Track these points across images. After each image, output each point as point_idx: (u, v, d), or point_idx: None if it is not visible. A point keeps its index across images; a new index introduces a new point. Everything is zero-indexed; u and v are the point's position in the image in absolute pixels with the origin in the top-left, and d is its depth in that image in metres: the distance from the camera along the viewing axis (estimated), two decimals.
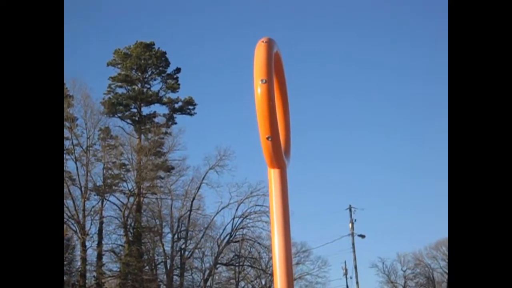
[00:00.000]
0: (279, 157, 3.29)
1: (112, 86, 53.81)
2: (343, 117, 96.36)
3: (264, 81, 3.10)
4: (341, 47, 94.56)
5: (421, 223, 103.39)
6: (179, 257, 50.44)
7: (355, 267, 61.21)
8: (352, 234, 62.01)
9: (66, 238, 46.17)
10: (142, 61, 53.45)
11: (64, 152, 47.48)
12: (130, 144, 51.09)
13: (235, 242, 53.67)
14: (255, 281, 58.37)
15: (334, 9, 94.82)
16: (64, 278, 47.93)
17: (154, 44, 54.35)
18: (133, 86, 53.97)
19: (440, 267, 78.92)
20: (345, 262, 65.93)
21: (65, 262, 47.09)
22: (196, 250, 52.24)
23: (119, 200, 49.97)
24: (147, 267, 50.44)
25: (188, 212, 50.68)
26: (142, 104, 53.91)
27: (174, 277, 50.51)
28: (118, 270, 49.28)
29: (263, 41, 3.26)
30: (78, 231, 46.14)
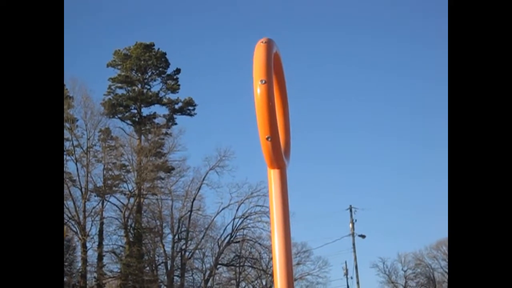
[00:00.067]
0: (279, 157, 3.29)
1: (112, 87, 53.83)
2: (344, 118, 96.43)
3: (263, 81, 3.10)
4: (342, 47, 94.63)
5: (422, 223, 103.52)
6: (179, 258, 50.45)
7: (356, 267, 61.24)
8: (353, 234, 62.01)
9: (66, 239, 46.19)
10: (142, 62, 53.46)
11: (65, 153, 47.52)
12: (131, 145, 51.13)
13: (236, 242, 53.68)
14: (256, 282, 58.39)
15: (336, 9, 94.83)
16: (65, 279, 47.93)
17: (154, 45, 54.38)
18: (133, 87, 53.98)
19: (440, 267, 78.95)
20: (345, 262, 66.02)
21: (65, 263, 47.10)
22: (197, 251, 52.28)
23: (119, 201, 50.07)
24: (147, 268, 50.45)
25: (189, 213, 50.70)
26: (142, 105, 53.93)
27: (175, 277, 50.52)
28: (119, 271, 49.31)
29: (262, 42, 3.26)
30: (78, 232, 46.16)
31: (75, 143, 48.04)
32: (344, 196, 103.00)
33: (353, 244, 61.74)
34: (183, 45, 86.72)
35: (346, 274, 65.28)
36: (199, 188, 51.57)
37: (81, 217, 46.06)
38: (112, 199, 49.80)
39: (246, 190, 52.07)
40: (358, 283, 60.74)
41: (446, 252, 74.24)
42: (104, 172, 49.74)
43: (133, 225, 49.86)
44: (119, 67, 53.79)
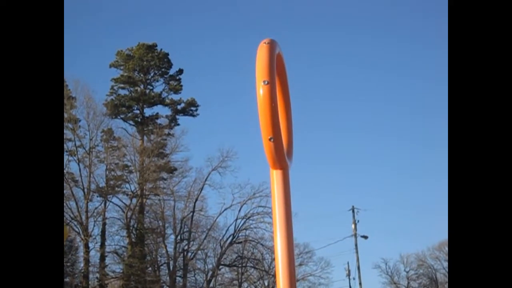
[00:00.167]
0: (282, 158, 3.30)
1: (115, 87, 53.87)
2: (345, 118, 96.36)
3: (266, 82, 3.10)
4: (344, 47, 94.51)
5: (424, 224, 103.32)
6: (182, 258, 50.47)
7: (358, 268, 61.20)
8: (355, 235, 61.98)
9: (69, 240, 46.24)
10: (145, 63, 53.49)
11: (67, 153, 47.59)
12: (133, 145, 51.15)
13: (238, 243, 53.69)
14: (258, 282, 58.36)
15: (336, 10, 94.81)
16: (67, 279, 47.99)
17: (156, 46, 54.42)
18: (136, 88, 54.01)
19: (443, 268, 78.80)
20: (348, 263, 65.95)
21: (68, 264, 47.16)
22: (199, 251, 52.31)
23: (122, 201, 50.11)
24: (150, 268, 50.48)
25: (191, 213, 50.72)
26: (144, 106, 53.95)
27: (177, 278, 50.54)
28: (121, 271, 49.34)
29: (265, 42, 3.27)
30: (81, 232, 46.21)
31: (78, 143, 48.15)
32: (347, 196, 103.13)
33: (356, 245, 61.74)
34: (186, 46, 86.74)
35: (349, 275, 65.23)
36: (202, 189, 51.66)
37: (83, 217, 46.10)
38: (114, 200, 49.91)
39: (249, 190, 52.16)
40: (360, 284, 60.73)
41: None
42: (107, 173, 49.80)
43: (135, 225, 49.88)
44: (121, 67, 53.83)
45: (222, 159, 51.82)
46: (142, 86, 54.13)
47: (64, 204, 44.71)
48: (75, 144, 47.91)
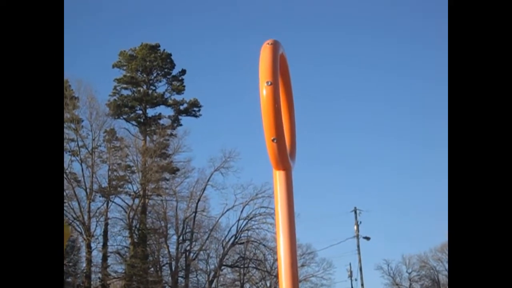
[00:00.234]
0: (285, 159, 3.30)
1: (118, 87, 53.90)
2: (348, 119, 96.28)
3: (269, 83, 3.10)
4: (348, 48, 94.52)
5: (426, 225, 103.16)
6: (184, 259, 50.48)
7: (360, 269, 61.14)
8: (357, 236, 61.92)
9: (71, 240, 46.26)
10: (147, 63, 53.51)
11: (70, 153, 47.63)
12: (135, 145, 51.17)
13: (240, 244, 53.68)
14: (260, 283, 58.34)
15: (336, 10, 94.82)
16: (70, 279, 48.05)
17: (159, 46, 54.44)
18: (138, 88, 54.03)
19: (445, 269, 78.67)
20: (350, 264, 65.90)
21: (70, 264, 47.20)
22: (201, 252, 52.29)
23: (124, 201, 50.12)
24: (152, 269, 50.47)
25: (193, 214, 50.72)
26: (147, 106, 53.97)
27: (179, 278, 50.55)
28: (123, 271, 49.34)
29: (268, 43, 3.27)
30: (83, 232, 46.24)
31: (80, 143, 48.20)
32: (349, 198, 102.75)
33: (358, 246, 61.69)
34: (189, 46, 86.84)
35: (351, 276, 65.18)
36: (204, 189, 51.65)
37: (85, 217, 46.13)
38: (117, 200, 49.94)
39: (251, 191, 52.15)
40: (362, 285, 60.66)
41: None
42: (109, 173, 49.81)
43: (137, 226, 49.89)
44: (124, 68, 53.85)
45: (225, 159, 51.89)
46: (144, 87, 54.15)
47: (67, 204, 44.76)
48: (77, 144, 47.99)
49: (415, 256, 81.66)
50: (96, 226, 47.96)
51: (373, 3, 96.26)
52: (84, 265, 48.37)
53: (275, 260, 49.44)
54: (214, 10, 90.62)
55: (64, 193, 44.17)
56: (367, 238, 62.18)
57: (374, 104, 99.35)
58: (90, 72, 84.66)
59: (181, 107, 54.70)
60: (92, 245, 46.99)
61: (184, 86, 54.96)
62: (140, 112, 54.03)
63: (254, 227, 53.00)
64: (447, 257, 76.60)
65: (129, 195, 50.64)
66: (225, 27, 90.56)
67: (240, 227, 52.56)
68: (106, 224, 48.34)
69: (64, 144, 46.72)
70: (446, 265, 77.72)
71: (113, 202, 49.41)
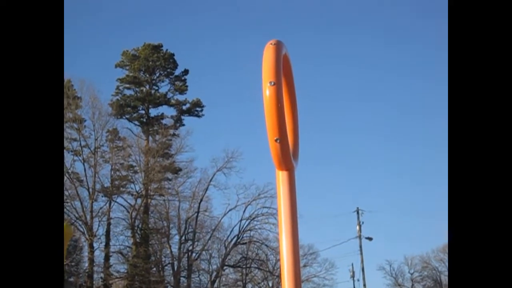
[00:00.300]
0: (288, 159, 3.30)
1: (120, 87, 53.97)
2: (352, 119, 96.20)
3: (272, 83, 3.10)
4: (348, 48, 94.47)
5: (429, 226, 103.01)
6: (186, 259, 50.51)
7: (363, 270, 61.15)
8: (360, 237, 61.93)
9: (73, 239, 46.29)
10: (150, 63, 53.56)
11: (72, 153, 47.70)
12: (138, 145, 51.22)
13: (242, 244, 53.70)
14: (262, 283, 58.37)
15: (336, 10, 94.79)
16: (72, 279, 48.09)
17: (162, 46, 54.48)
18: (141, 88, 54.09)
19: (447, 270, 78.53)
20: (352, 265, 65.90)
21: (72, 263, 47.23)
22: (204, 252, 52.31)
23: (126, 201, 50.17)
24: (154, 269, 50.52)
25: (196, 214, 50.74)
26: (150, 106, 54.03)
27: (181, 278, 50.58)
28: (126, 271, 49.41)
29: (271, 43, 3.27)
30: (85, 232, 46.27)
31: (83, 143, 48.24)
32: (351, 198, 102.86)
33: (360, 247, 61.68)
34: (192, 46, 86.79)
35: (353, 276, 65.19)
36: (206, 189, 51.65)
37: (88, 217, 46.17)
38: (119, 200, 49.99)
39: (253, 191, 52.15)
40: (364, 285, 60.66)
41: None
42: (112, 173, 49.87)
43: (140, 225, 49.94)
44: (127, 67, 53.91)
45: (227, 159, 51.90)
46: (147, 87, 54.21)
47: (69, 203, 44.83)
48: (80, 144, 48.02)
49: (417, 256, 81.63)
50: (99, 226, 48.08)
51: (373, 3, 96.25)
52: (86, 264, 48.43)
53: (277, 260, 49.44)
54: (216, 10, 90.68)
55: (67, 193, 44.24)
56: (370, 239, 62.19)
57: (375, 104, 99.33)
58: (92, 72, 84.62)
59: (184, 107, 54.75)
60: (95, 245, 47.05)
61: (186, 86, 55.03)
62: (143, 112, 54.10)
63: (256, 227, 53.06)
64: None
65: (132, 195, 50.71)
66: (228, 27, 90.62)
67: (243, 227, 52.63)
68: (109, 224, 48.39)
69: (67, 143, 46.80)
70: None
71: (115, 202, 49.51)
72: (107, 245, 47.94)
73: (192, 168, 52.86)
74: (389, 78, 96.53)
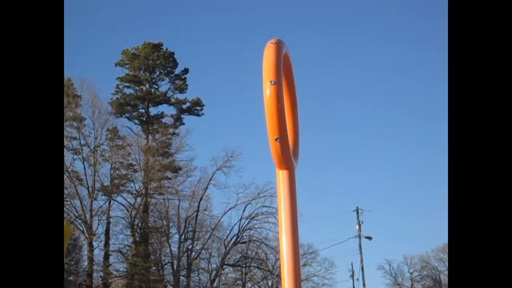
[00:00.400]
0: (288, 158, 3.30)
1: (120, 86, 53.96)
2: (352, 119, 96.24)
3: (273, 82, 3.10)
4: (348, 48, 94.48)
5: (428, 226, 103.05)
6: (186, 258, 50.50)
7: (362, 269, 61.15)
8: (359, 236, 61.94)
9: (73, 238, 46.31)
10: (150, 62, 53.56)
11: (72, 152, 47.68)
12: (138, 144, 51.20)
13: (242, 243, 53.70)
14: (262, 282, 58.38)
15: (336, 10, 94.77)
16: (71, 277, 48.08)
17: (162, 45, 54.48)
18: (141, 87, 54.09)
19: (447, 269, 78.63)
20: (351, 264, 65.92)
21: (72, 262, 47.25)
22: (203, 251, 52.32)
23: (126, 200, 50.16)
24: (154, 268, 50.52)
25: (195, 213, 50.73)
26: (150, 105, 54.03)
27: (181, 277, 50.57)
28: (125, 270, 49.40)
29: (272, 43, 3.27)
30: (85, 231, 46.26)
31: (83, 142, 48.24)
32: (351, 197, 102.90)
33: (360, 246, 61.70)
34: (192, 45, 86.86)
35: (352, 275, 65.20)
36: (206, 188, 51.64)
37: (87, 216, 46.15)
38: (119, 199, 49.98)
39: (253, 190, 52.10)
40: (364, 285, 60.68)
41: None
42: (111, 171, 49.86)
43: (139, 224, 49.94)
44: (127, 66, 53.90)
45: (227, 158, 51.88)
46: (147, 85, 54.20)
47: (69, 202, 44.82)
48: (80, 142, 48.02)
49: (416, 256, 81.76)
50: (98, 224, 48.08)
51: (373, 3, 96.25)
52: (86, 263, 48.42)
53: (277, 259, 49.46)
54: (217, 10, 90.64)
55: (66, 192, 44.23)
56: (369, 238, 62.21)
57: (375, 104, 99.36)
58: (92, 71, 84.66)
59: (184, 106, 54.75)
60: (94, 243, 47.04)
61: (186, 85, 55.03)
62: (143, 110, 54.09)
63: (256, 226, 53.04)
64: None
65: (131, 193, 50.70)
66: (228, 27, 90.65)
67: (242, 226, 52.62)
68: (108, 223, 48.39)
69: (66, 142, 46.80)
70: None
71: (115, 200, 49.51)
72: (106, 244, 47.94)
73: (192, 167, 52.92)
74: (389, 78, 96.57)
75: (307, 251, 61.00)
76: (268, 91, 3.10)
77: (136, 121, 53.78)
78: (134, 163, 51.12)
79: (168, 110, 54.81)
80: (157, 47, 54.09)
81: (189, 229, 51.12)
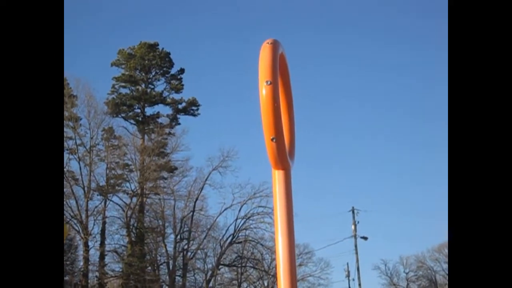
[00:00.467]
0: (284, 158, 3.30)
1: (116, 86, 53.88)
2: (348, 119, 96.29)
3: (269, 82, 3.11)
4: (348, 48, 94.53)
5: (424, 226, 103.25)
6: (181, 258, 50.47)
7: (358, 269, 61.20)
8: (355, 236, 61.98)
9: (69, 238, 46.25)
10: (146, 62, 53.51)
11: (68, 151, 47.61)
12: (134, 144, 51.15)
13: (238, 243, 53.69)
14: (258, 282, 58.36)
15: (336, 10, 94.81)
16: (67, 277, 48.00)
17: (158, 45, 54.43)
18: (137, 87, 54.02)
19: (442, 269, 78.78)
20: (347, 264, 65.94)
21: (67, 262, 47.18)
22: (199, 251, 52.29)
23: (122, 200, 50.11)
24: (149, 268, 50.48)
25: (191, 213, 50.71)
26: (145, 105, 53.96)
27: (177, 277, 50.53)
28: (121, 270, 49.34)
29: (268, 43, 3.27)
30: (81, 231, 46.21)
31: (78, 142, 48.18)
32: (347, 198, 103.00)
33: (355, 246, 61.74)
34: (188, 45, 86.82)
35: (348, 276, 65.23)
36: (202, 188, 51.63)
37: (83, 216, 46.10)
38: (114, 199, 49.91)
39: (249, 190, 52.09)
40: (359, 285, 60.72)
41: None
42: (107, 171, 49.81)
43: (135, 224, 49.88)
44: (123, 66, 53.84)
45: (223, 158, 51.86)
46: (143, 85, 54.14)
47: (64, 202, 44.71)
48: (75, 142, 47.95)
49: (412, 256, 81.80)
50: (94, 224, 47.99)
51: (373, 3, 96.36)
52: (82, 263, 48.36)
53: (273, 259, 49.47)
54: (213, 10, 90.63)
55: None
56: (365, 238, 62.26)
57: (375, 104, 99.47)
58: (88, 71, 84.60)
59: (180, 106, 54.71)
60: (90, 243, 46.99)
61: (182, 85, 54.99)
62: (139, 110, 54.02)
63: (252, 226, 53.05)
64: (444, 257, 76.72)
65: (127, 193, 50.65)
66: (224, 27, 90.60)
67: (238, 226, 52.61)
68: (104, 223, 48.32)
69: None
70: (444, 266, 77.81)
71: (111, 200, 49.44)
72: (102, 244, 47.87)
73: (188, 167, 52.89)
74: (389, 78, 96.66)
75: (303, 251, 61.11)
76: (264, 91, 3.10)
77: (132, 121, 53.73)
78: (130, 163, 51.08)
79: (164, 110, 54.84)
80: (153, 47, 54.05)
81: (185, 229, 51.10)
